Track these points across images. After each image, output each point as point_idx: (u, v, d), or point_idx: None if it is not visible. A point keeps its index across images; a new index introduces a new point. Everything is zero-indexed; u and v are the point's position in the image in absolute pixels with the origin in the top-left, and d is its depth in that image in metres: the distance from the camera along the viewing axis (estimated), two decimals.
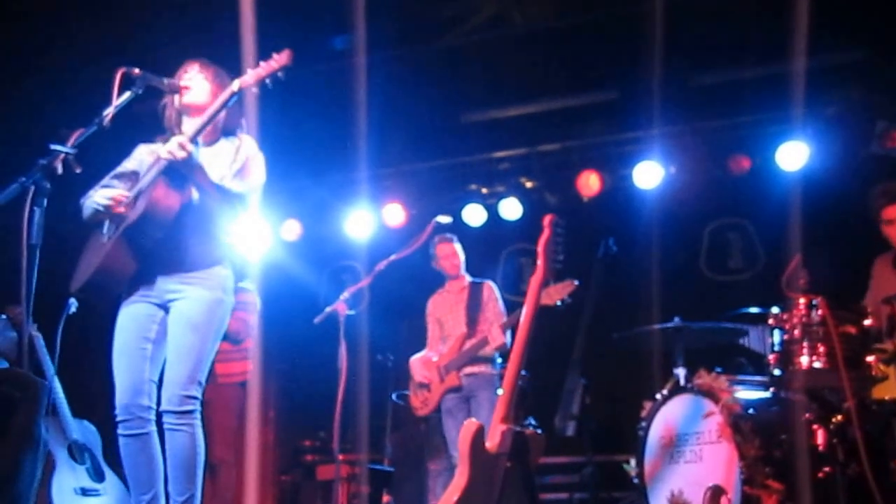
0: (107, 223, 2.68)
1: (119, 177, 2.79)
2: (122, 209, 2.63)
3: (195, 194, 2.66)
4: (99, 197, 2.66)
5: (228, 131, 2.78)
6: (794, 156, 5.14)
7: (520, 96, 5.59)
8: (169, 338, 2.63)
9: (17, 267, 2.31)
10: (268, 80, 2.59)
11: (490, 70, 5.30)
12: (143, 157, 2.81)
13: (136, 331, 2.64)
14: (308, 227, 6.14)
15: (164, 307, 2.67)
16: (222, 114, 2.72)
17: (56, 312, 3.49)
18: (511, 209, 5.77)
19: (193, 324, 2.60)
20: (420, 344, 4.54)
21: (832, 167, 5.08)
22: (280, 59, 2.58)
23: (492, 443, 2.44)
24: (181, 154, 2.53)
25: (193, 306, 2.62)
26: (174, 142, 2.54)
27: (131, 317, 2.66)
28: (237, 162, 2.70)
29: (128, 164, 2.83)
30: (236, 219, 2.69)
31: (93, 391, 3.39)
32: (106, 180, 2.79)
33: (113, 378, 2.67)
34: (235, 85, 2.61)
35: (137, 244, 2.61)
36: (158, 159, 2.66)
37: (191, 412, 2.57)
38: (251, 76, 2.59)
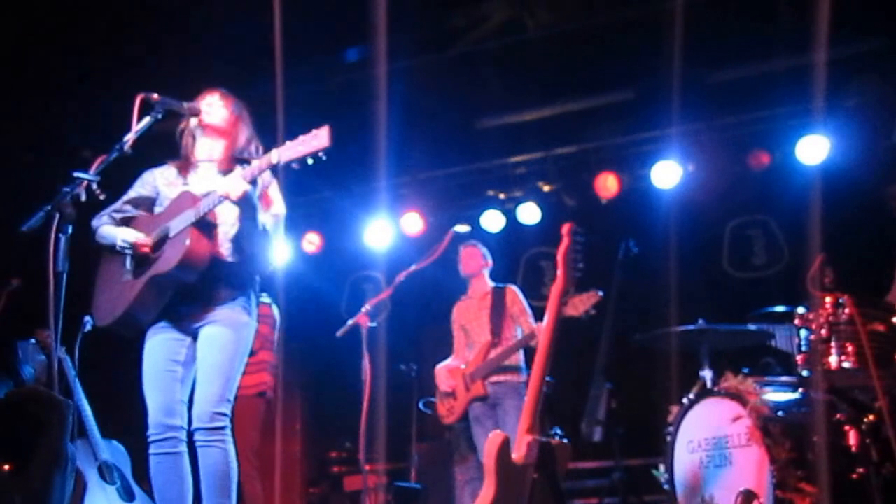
0: (128, 259, 2.74)
1: (132, 202, 2.85)
2: (146, 251, 2.70)
3: (225, 237, 2.72)
4: (124, 235, 2.72)
5: (243, 160, 2.82)
6: (814, 149, 5.08)
7: (534, 100, 5.58)
8: (198, 359, 2.70)
9: (44, 292, 2.35)
10: (310, 160, 2.53)
11: (504, 75, 5.30)
12: (158, 183, 2.85)
13: (165, 354, 2.71)
14: (328, 238, 6.17)
15: (192, 334, 2.74)
16: (238, 142, 2.80)
17: (73, 330, 3.54)
18: (529, 214, 5.76)
19: (221, 344, 2.67)
20: (442, 353, 4.54)
21: (854, 160, 5.01)
22: (322, 141, 2.50)
23: (518, 454, 2.43)
24: (234, 194, 2.57)
25: (221, 329, 2.69)
26: (232, 182, 2.58)
27: (159, 341, 2.72)
28: (257, 189, 2.74)
29: (141, 190, 2.87)
30: (269, 258, 2.77)
31: (122, 411, 3.43)
32: (119, 205, 2.84)
33: (141, 398, 2.72)
34: (274, 157, 2.58)
35: (167, 290, 2.69)
36: (192, 201, 2.68)
37: (222, 428, 2.63)
38: (291, 152, 2.53)
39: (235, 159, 2.82)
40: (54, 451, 1.96)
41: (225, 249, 2.73)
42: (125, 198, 2.86)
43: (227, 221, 2.73)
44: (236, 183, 2.58)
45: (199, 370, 2.68)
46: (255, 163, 2.65)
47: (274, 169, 2.74)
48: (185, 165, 2.84)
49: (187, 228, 2.64)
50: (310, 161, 2.53)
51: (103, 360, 3.64)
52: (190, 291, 2.69)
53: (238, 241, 2.73)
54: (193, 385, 2.72)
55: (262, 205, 2.74)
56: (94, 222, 2.80)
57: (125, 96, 2.63)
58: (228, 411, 2.66)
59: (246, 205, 2.62)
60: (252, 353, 4.22)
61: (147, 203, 2.83)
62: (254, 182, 2.66)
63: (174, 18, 4.50)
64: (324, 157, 2.53)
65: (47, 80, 4.59)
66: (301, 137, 2.55)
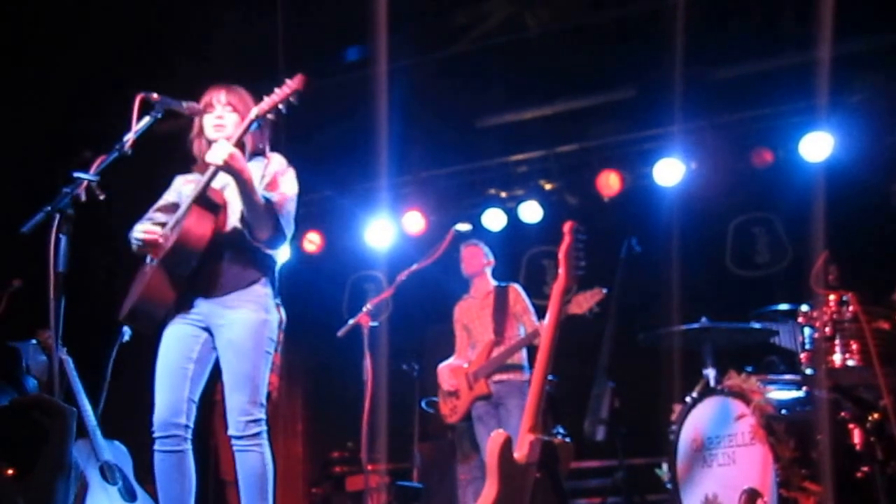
0: (149, 255, 2.76)
1: (161, 209, 2.86)
2: (160, 241, 2.70)
3: (229, 218, 2.71)
4: (136, 231, 2.74)
5: (257, 152, 2.82)
6: (818, 146, 5.06)
7: (536, 98, 5.56)
8: (223, 367, 2.69)
9: (45, 293, 2.35)
10: (282, 106, 2.60)
11: (505, 74, 5.29)
12: (181, 188, 2.87)
13: (180, 350, 2.70)
14: (329, 238, 6.16)
15: (208, 329, 2.72)
16: (248, 138, 2.77)
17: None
18: (531, 212, 5.74)
19: (244, 351, 2.65)
20: (444, 352, 4.53)
21: (858, 157, 4.99)
22: (293, 85, 2.58)
23: (520, 453, 2.42)
24: (220, 158, 2.55)
25: (240, 333, 2.66)
26: (216, 147, 2.58)
27: (175, 336, 2.71)
28: (266, 177, 2.74)
29: (168, 197, 2.89)
30: (277, 232, 2.71)
31: (124, 412, 3.43)
32: (149, 213, 2.86)
33: (146, 398, 2.72)
34: (253, 113, 2.64)
35: (175, 273, 2.67)
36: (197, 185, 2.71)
37: (258, 434, 2.64)
38: (266, 103, 2.62)
39: (248, 153, 2.80)
40: (57, 459, 1.95)
41: (232, 227, 2.70)
42: (154, 206, 2.88)
43: (236, 201, 2.69)
44: (220, 147, 2.57)
45: (226, 379, 2.67)
46: (237, 127, 2.66)
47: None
48: (203, 165, 2.82)
49: (188, 208, 2.65)
50: (282, 107, 2.59)
51: (104, 359, 3.63)
52: (200, 280, 2.66)
53: (244, 218, 2.68)
54: (204, 384, 2.73)
55: (269, 187, 2.72)
56: (129, 234, 2.81)
57: (125, 96, 2.62)
58: (263, 414, 2.66)
59: (236, 173, 2.57)
60: None
61: (174, 209, 2.84)
62: (242, 146, 2.64)
63: (175, 18, 4.50)
64: (294, 101, 2.57)
65: (48, 80, 4.59)
66: (276, 89, 2.61)
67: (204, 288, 2.68)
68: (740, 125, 5.37)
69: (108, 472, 3.69)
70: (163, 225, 2.79)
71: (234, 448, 2.64)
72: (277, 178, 2.76)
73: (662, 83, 4.74)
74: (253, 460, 2.62)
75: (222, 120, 2.75)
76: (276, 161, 2.81)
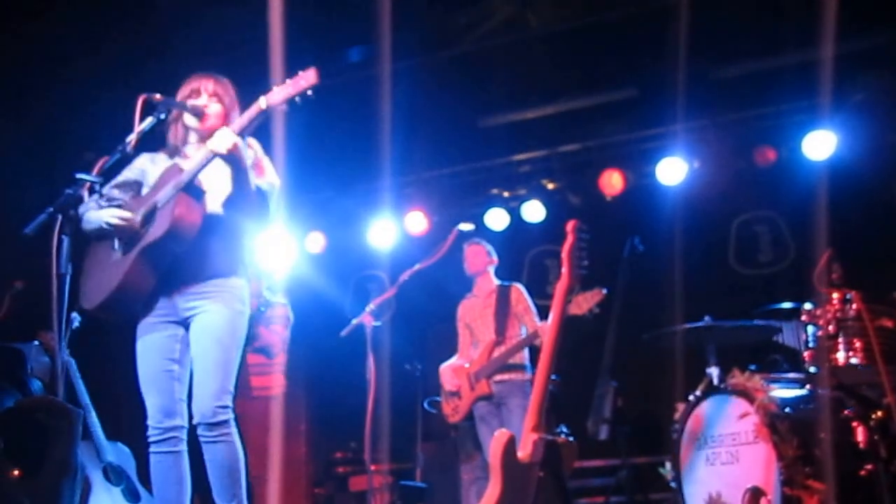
0: (116, 240, 2.67)
1: (120, 187, 2.76)
2: (134, 227, 2.61)
3: (214, 204, 2.66)
4: (108, 216, 2.63)
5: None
6: (821, 145, 5.05)
7: (538, 98, 5.56)
8: (194, 353, 2.64)
9: (47, 294, 2.35)
10: (297, 99, 2.52)
11: (507, 73, 5.29)
12: (146, 167, 2.78)
13: (161, 353, 2.65)
14: (332, 238, 6.17)
15: (184, 324, 2.67)
16: (232, 120, 2.70)
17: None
18: (534, 212, 5.74)
19: (217, 338, 2.61)
20: (447, 352, 4.53)
21: (861, 155, 4.98)
22: (308, 78, 2.50)
23: (524, 453, 2.42)
24: (224, 147, 2.50)
25: (215, 320, 2.61)
26: (220, 135, 2.53)
27: (153, 340, 2.66)
28: (248, 159, 2.69)
29: (128, 174, 2.79)
30: (267, 220, 2.69)
31: (124, 412, 3.43)
32: (106, 189, 2.73)
33: (143, 397, 2.69)
34: (263, 102, 2.55)
35: (158, 263, 2.60)
36: (178, 172, 2.64)
37: (226, 422, 2.59)
38: (279, 94, 2.53)
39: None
40: (63, 460, 1.97)
41: (210, 213, 2.64)
42: (112, 183, 2.77)
43: (217, 186, 2.65)
44: (224, 135, 2.51)
45: (196, 364, 2.61)
46: (243, 115, 2.59)
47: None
48: (176, 151, 2.78)
49: (175, 196, 2.57)
50: (297, 100, 2.51)
51: (103, 359, 3.64)
52: (182, 266, 2.61)
53: (230, 204, 2.63)
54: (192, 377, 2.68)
55: (255, 172, 2.67)
56: (81, 209, 2.66)
57: (127, 97, 2.62)
58: (231, 403, 2.62)
59: (236, 162, 2.54)
60: (275, 355, 4.25)
61: (135, 187, 2.76)
62: (242, 137, 2.59)
63: (176, 19, 4.51)
64: (311, 95, 2.50)
65: (49, 81, 4.60)
66: (288, 80, 2.52)
67: (184, 274, 2.62)
68: (743, 124, 5.36)
69: (111, 474, 3.69)
70: (120, 206, 2.69)
71: (202, 439, 2.58)
72: (259, 161, 2.73)
73: (665, 82, 4.73)
74: (224, 451, 2.57)
75: (206, 109, 2.71)
76: (257, 146, 2.78)
